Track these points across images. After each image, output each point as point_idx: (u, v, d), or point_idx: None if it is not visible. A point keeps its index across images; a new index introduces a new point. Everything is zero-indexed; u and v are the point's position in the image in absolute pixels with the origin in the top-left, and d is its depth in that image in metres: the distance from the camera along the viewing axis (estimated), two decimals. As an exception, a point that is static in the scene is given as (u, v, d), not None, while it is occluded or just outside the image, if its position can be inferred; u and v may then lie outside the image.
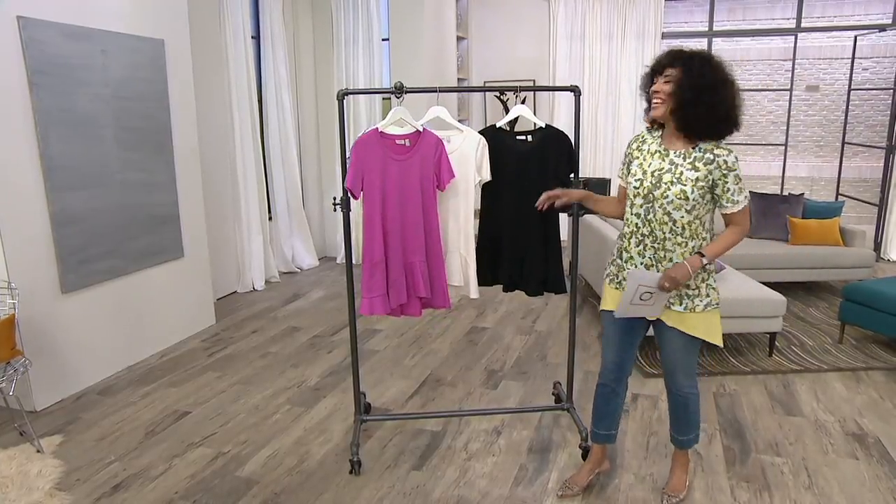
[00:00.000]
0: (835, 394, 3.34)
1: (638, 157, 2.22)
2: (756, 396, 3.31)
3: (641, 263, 2.20)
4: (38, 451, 2.82)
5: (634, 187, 2.18)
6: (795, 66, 6.88)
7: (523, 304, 4.95)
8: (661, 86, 2.07)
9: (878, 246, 6.36)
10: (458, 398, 3.36)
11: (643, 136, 2.26)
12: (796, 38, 6.75)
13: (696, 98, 2.01)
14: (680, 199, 2.09)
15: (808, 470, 2.64)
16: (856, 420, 3.05)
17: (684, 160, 2.11)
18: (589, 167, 7.02)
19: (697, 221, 2.13)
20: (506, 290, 2.85)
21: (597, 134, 6.93)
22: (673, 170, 2.11)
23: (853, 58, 6.84)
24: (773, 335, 3.79)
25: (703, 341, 2.23)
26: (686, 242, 2.14)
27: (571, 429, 2.98)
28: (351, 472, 2.65)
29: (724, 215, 2.17)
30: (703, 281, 2.18)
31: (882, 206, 6.32)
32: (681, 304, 2.18)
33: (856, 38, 7.06)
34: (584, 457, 2.69)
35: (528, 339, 4.19)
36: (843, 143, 6.97)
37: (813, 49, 12.46)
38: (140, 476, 2.66)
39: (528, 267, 2.77)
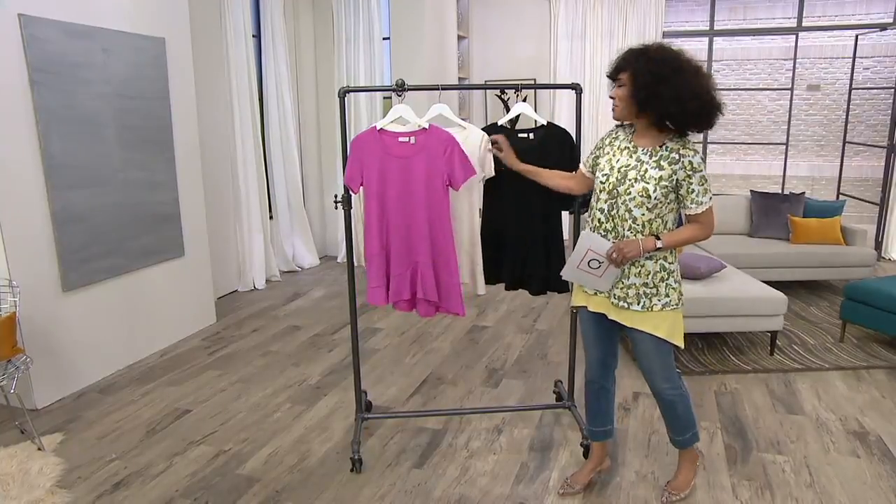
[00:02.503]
0: (836, 392, 3.34)
1: (608, 153, 2.23)
2: (757, 395, 3.31)
3: None
4: (39, 449, 2.82)
5: (601, 182, 2.19)
6: (796, 66, 6.87)
7: (524, 302, 4.95)
8: (616, 91, 2.12)
9: (878, 245, 6.35)
10: (459, 396, 3.36)
11: (617, 132, 2.27)
12: (797, 38, 6.75)
13: (652, 93, 2.01)
14: (642, 196, 2.08)
15: (809, 468, 2.64)
16: (857, 418, 3.05)
17: (650, 158, 2.11)
18: (590, 166, 7.01)
19: (659, 220, 2.12)
20: (508, 288, 2.84)
21: (598, 133, 6.92)
22: (638, 167, 2.12)
23: (854, 57, 6.84)
24: (774, 334, 3.79)
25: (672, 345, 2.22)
26: None
27: (572, 427, 2.98)
28: (352, 470, 2.65)
29: (688, 216, 2.15)
30: (661, 280, 2.16)
31: (883, 205, 6.32)
32: (639, 304, 2.17)
33: (857, 37, 7.06)
34: (586, 455, 2.69)
35: (529, 338, 4.19)
36: (844, 142, 6.97)
37: (814, 48, 12.45)
38: (141, 474, 2.65)
39: (531, 266, 2.77)
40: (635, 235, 2.13)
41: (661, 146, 2.11)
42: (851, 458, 2.71)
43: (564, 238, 2.85)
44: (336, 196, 2.68)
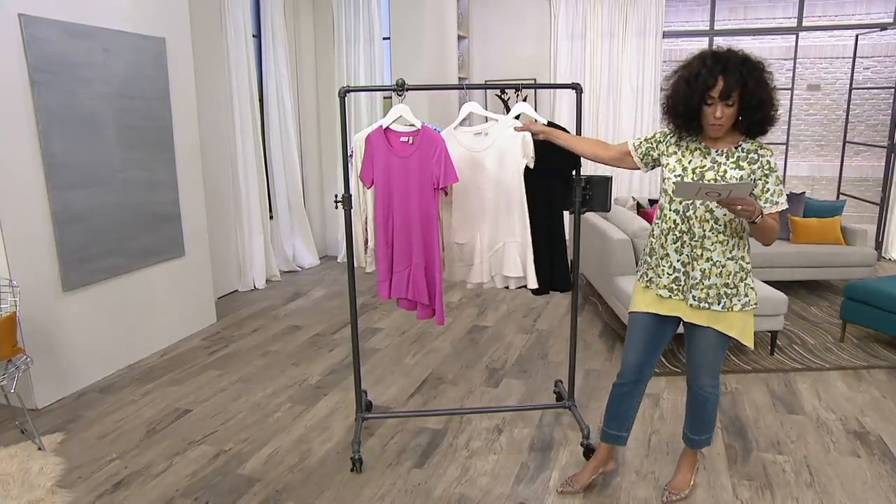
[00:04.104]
0: (836, 392, 3.34)
1: (676, 153, 2.19)
2: (758, 395, 3.31)
3: (678, 261, 2.19)
4: (40, 449, 2.82)
5: (674, 183, 2.14)
6: (797, 66, 6.87)
7: (524, 302, 4.95)
8: (724, 110, 2.01)
9: (879, 245, 6.35)
10: (460, 396, 3.36)
11: (680, 132, 2.18)
12: (797, 38, 6.75)
13: (753, 111, 2.00)
14: None
15: (809, 468, 2.64)
16: (857, 418, 3.05)
17: (727, 159, 2.10)
18: (591, 164, 7.01)
19: (737, 220, 2.11)
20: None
21: (598, 132, 6.92)
22: (716, 168, 2.10)
23: (854, 57, 6.84)
24: (774, 333, 3.79)
25: (732, 342, 2.23)
26: (727, 241, 2.12)
27: (573, 427, 2.97)
28: (352, 470, 2.65)
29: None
30: (741, 280, 2.16)
31: (883, 205, 6.32)
32: (719, 304, 2.16)
33: (857, 37, 7.06)
34: (586, 455, 2.69)
35: (530, 338, 4.19)
36: (845, 142, 6.97)
37: (814, 48, 12.44)
38: (141, 474, 2.66)
39: (534, 266, 2.76)
40: (716, 236, 2.12)
41: (736, 147, 2.10)
42: (852, 458, 2.71)
43: (566, 238, 2.85)
44: (336, 196, 2.68)
